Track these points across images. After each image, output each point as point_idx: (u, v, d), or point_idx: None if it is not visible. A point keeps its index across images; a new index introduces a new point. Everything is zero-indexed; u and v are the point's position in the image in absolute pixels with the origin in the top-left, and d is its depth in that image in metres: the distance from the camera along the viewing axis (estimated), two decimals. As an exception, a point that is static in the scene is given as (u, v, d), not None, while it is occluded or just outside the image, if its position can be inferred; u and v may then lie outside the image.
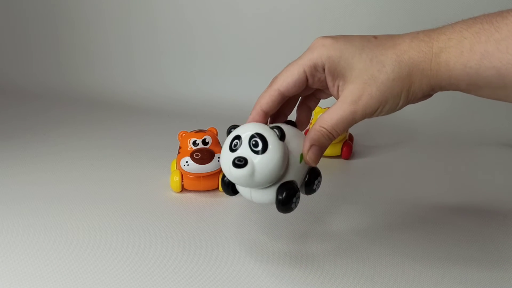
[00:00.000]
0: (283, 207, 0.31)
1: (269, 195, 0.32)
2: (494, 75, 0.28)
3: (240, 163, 0.30)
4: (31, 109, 0.82)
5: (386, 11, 0.75)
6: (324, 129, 0.32)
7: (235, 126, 0.33)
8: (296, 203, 0.32)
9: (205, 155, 0.45)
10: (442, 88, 0.31)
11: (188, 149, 0.47)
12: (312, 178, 0.33)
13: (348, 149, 0.59)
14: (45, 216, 0.43)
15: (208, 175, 0.47)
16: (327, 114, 0.32)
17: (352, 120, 0.31)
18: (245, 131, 0.31)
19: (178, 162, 0.47)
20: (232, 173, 0.30)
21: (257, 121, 0.33)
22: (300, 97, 0.37)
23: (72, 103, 0.86)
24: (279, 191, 0.31)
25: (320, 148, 0.32)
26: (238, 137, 0.31)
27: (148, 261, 0.36)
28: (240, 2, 0.83)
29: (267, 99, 0.34)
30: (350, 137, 0.63)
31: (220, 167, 0.46)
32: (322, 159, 0.61)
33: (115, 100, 0.87)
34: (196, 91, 0.87)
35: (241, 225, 0.42)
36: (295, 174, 0.32)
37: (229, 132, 0.33)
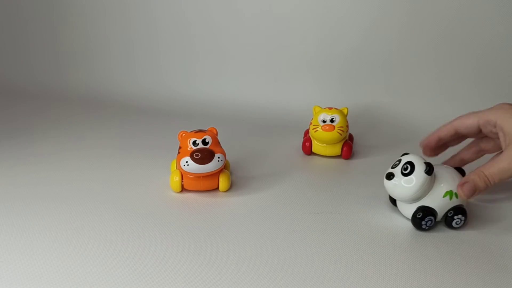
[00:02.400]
0: (414, 222, 0.41)
1: (409, 210, 0.42)
2: None
3: (389, 176, 0.41)
4: (31, 109, 0.82)
5: (386, 11, 0.75)
6: (483, 174, 0.39)
7: (406, 153, 0.43)
8: (428, 225, 0.41)
9: (205, 155, 0.45)
10: None
11: (188, 149, 0.47)
12: (454, 215, 0.41)
13: (348, 149, 0.59)
14: (45, 216, 0.43)
15: (208, 175, 0.47)
16: (490, 163, 0.40)
17: (508, 171, 0.38)
18: (406, 159, 0.42)
19: (178, 162, 0.47)
20: (384, 182, 0.42)
21: (432, 143, 0.47)
22: (473, 139, 0.48)
23: (72, 103, 0.86)
24: (416, 210, 0.41)
25: (473, 187, 0.39)
26: (399, 161, 0.42)
27: (148, 261, 0.36)
28: (240, 2, 0.83)
29: (444, 130, 0.46)
30: (350, 137, 0.63)
31: (220, 167, 0.47)
32: (322, 159, 0.61)
33: (115, 100, 0.87)
34: (196, 91, 0.87)
35: (241, 225, 0.42)
36: (436, 204, 0.41)
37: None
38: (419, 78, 0.75)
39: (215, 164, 0.46)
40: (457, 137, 0.46)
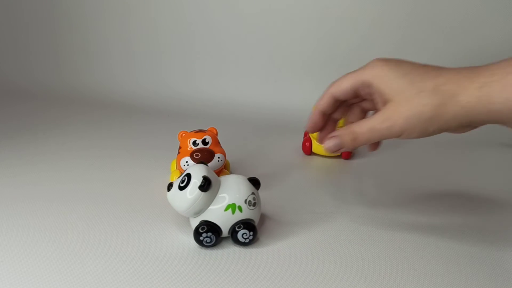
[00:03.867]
0: (194, 237, 0.38)
1: (194, 223, 0.38)
2: None
3: (168, 187, 0.38)
4: (30, 109, 0.82)
5: (386, 11, 0.75)
6: (352, 130, 0.35)
7: (202, 162, 0.41)
8: (207, 241, 0.37)
9: (205, 155, 0.45)
10: (484, 122, 0.32)
11: (188, 149, 0.47)
12: (240, 229, 0.37)
13: None
14: (45, 216, 0.43)
15: (208, 175, 0.47)
16: (362, 121, 0.35)
17: (376, 131, 0.34)
18: (188, 170, 0.38)
19: (178, 162, 0.47)
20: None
21: (316, 120, 0.40)
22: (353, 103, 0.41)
23: (72, 103, 0.86)
24: (198, 224, 0.37)
25: (340, 141, 0.36)
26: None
27: (148, 261, 0.36)
28: (240, 2, 0.83)
29: (323, 101, 0.39)
30: None
31: (220, 167, 0.47)
32: (322, 159, 0.61)
33: (115, 100, 0.87)
34: (196, 91, 0.87)
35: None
36: (219, 219, 0.37)
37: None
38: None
39: (215, 164, 0.46)
40: (340, 105, 0.41)
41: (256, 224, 0.39)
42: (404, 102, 0.33)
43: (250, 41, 0.85)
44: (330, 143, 0.36)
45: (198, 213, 0.37)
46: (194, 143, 0.47)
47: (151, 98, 0.87)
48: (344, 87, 0.37)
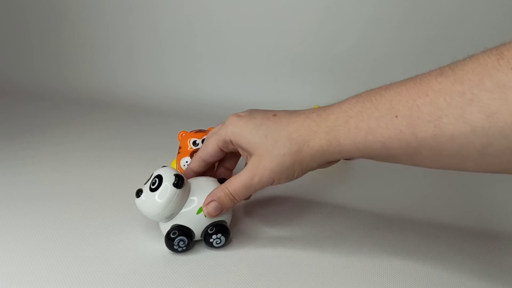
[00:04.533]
0: (166, 243, 0.36)
1: (165, 229, 0.37)
2: (380, 148, 0.31)
3: (138, 193, 0.37)
4: (31, 109, 0.82)
5: (386, 11, 0.75)
6: (227, 190, 0.37)
7: (164, 166, 0.38)
8: (180, 245, 0.36)
9: (205, 155, 0.45)
10: (340, 158, 0.35)
11: (188, 149, 0.47)
12: (212, 233, 0.37)
13: None
14: (45, 216, 0.43)
15: (208, 175, 0.47)
16: (233, 178, 0.37)
17: (250, 187, 0.36)
18: (157, 172, 0.37)
19: (178, 162, 0.47)
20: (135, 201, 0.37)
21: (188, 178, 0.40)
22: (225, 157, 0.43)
23: (72, 103, 0.86)
24: (170, 229, 0.36)
25: (220, 204, 0.37)
26: (152, 175, 0.37)
27: (148, 261, 0.36)
28: (241, 2, 0.83)
29: (195, 164, 0.41)
30: None
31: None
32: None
33: (115, 100, 0.87)
34: (196, 91, 0.87)
35: (240, 226, 0.42)
36: (191, 222, 0.36)
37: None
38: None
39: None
40: (213, 164, 0.43)
41: (228, 225, 0.38)
42: (265, 154, 0.35)
43: (250, 41, 0.85)
44: (210, 207, 0.36)
45: (170, 216, 0.36)
46: (194, 143, 0.47)
47: (151, 98, 0.87)
48: (210, 150, 0.40)
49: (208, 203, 0.36)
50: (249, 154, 0.37)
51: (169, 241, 0.36)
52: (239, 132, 0.37)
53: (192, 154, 0.46)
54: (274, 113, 0.38)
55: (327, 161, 0.35)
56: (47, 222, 0.42)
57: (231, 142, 0.38)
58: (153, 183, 0.36)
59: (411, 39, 0.75)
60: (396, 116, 0.30)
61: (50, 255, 0.36)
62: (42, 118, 0.76)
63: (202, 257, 0.37)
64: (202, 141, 0.47)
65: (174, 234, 0.36)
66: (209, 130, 0.49)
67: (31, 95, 0.91)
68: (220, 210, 0.37)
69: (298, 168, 0.36)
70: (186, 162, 0.45)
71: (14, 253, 0.37)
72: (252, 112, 0.39)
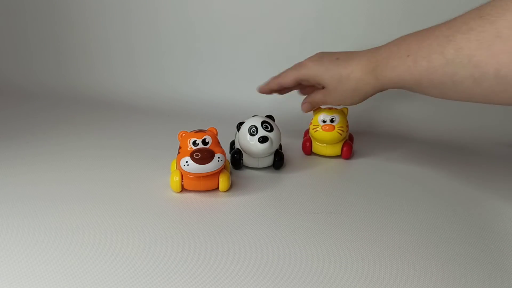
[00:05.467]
0: (279, 163, 0.55)
1: (270, 159, 0.54)
2: (403, 80, 0.45)
3: (265, 139, 0.50)
4: (31, 109, 0.82)
5: (386, 11, 0.75)
6: (311, 101, 0.57)
7: (242, 122, 0.54)
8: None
9: (205, 155, 0.45)
10: (393, 86, 0.47)
11: (188, 149, 0.47)
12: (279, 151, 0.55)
13: (348, 149, 0.59)
14: (45, 216, 0.43)
15: (208, 175, 0.47)
16: (315, 94, 0.56)
17: (324, 102, 0.56)
18: (255, 122, 0.52)
19: (178, 162, 0.47)
20: (259, 147, 0.51)
21: (264, 92, 0.61)
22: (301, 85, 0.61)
23: (72, 103, 0.86)
24: (276, 155, 0.54)
25: (311, 105, 0.58)
26: (252, 126, 0.52)
27: (148, 261, 0.36)
28: (240, 2, 0.83)
29: (273, 85, 0.59)
30: (350, 137, 0.63)
31: (220, 167, 0.47)
32: (321, 158, 0.61)
33: (115, 100, 0.87)
34: (196, 91, 0.87)
35: (241, 225, 0.42)
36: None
37: (238, 127, 0.54)
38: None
39: (215, 164, 0.46)
40: (284, 88, 0.60)
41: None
42: (332, 90, 0.53)
43: (250, 41, 0.85)
44: (306, 107, 0.58)
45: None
46: (194, 143, 0.47)
47: (151, 98, 0.87)
48: (289, 80, 0.57)
49: (304, 103, 0.58)
50: (324, 86, 0.54)
51: (281, 160, 0.55)
52: (313, 74, 0.54)
53: (192, 154, 0.45)
54: (337, 57, 0.52)
55: (381, 86, 0.48)
56: (47, 222, 0.42)
57: (308, 79, 0.55)
58: (267, 127, 0.52)
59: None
60: (408, 56, 0.43)
61: (50, 255, 0.36)
62: (42, 118, 0.76)
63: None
64: (202, 141, 0.47)
65: (281, 157, 0.55)
66: (209, 130, 0.49)
67: (31, 95, 0.91)
68: (312, 106, 0.58)
69: (357, 94, 0.51)
70: (186, 162, 0.45)
71: (13, 253, 0.37)
72: (321, 57, 0.54)
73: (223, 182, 0.48)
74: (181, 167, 0.46)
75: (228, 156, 0.55)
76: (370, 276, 0.35)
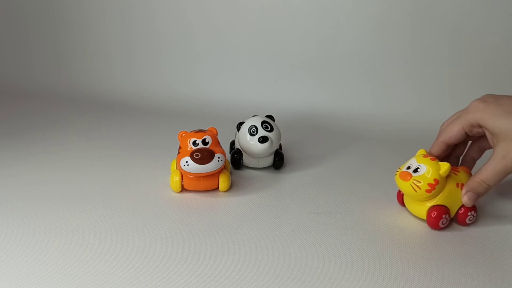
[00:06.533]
0: (279, 163, 0.54)
1: (270, 159, 0.54)
2: None
3: (265, 139, 0.50)
4: (31, 109, 0.82)
5: (387, 11, 0.75)
6: (481, 181, 0.40)
7: (242, 122, 0.53)
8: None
9: (205, 155, 0.45)
10: None
11: (188, 149, 0.47)
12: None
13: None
14: (45, 216, 0.43)
15: (208, 175, 0.47)
16: (484, 168, 0.40)
17: (504, 173, 0.39)
18: (255, 122, 0.52)
19: (178, 162, 0.47)
20: (259, 147, 0.50)
21: (439, 150, 0.45)
22: (470, 142, 0.47)
23: (72, 103, 0.86)
24: (276, 155, 0.54)
25: (475, 194, 0.41)
26: (252, 126, 0.51)
27: (148, 261, 0.36)
28: (240, 2, 0.83)
29: (436, 148, 0.45)
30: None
31: (220, 167, 0.47)
32: (321, 158, 0.61)
33: (115, 100, 0.87)
34: (196, 91, 0.87)
35: (241, 225, 0.42)
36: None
37: (238, 127, 0.53)
38: (418, 78, 0.75)
39: (215, 164, 0.46)
40: (452, 147, 0.46)
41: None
42: None
43: (250, 41, 0.85)
44: (467, 199, 0.41)
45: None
46: (194, 143, 0.47)
47: (151, 98, 0.87)
48: (455, 132, 0.43)
49: (465, 194, 0.41)
50: (498, 139, 0.39)
51: (281, 160, 0.54)
52: (488, 117, 0.40)
53: (192, 154, 0.45)
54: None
55: None
56: (47, 222, 0.42)
57: (479, 125, 0.41)
58: (267, 127, 0.51)
59: (412, 39, 0.74)
60: None
61: (50, 255, 0.36)
62: (42, 118, 0.76)
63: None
64: (202, 141, 0.47)
65: (281, 157, 0.54)
66: (209, 130, 0.49)
67: (31, 95, 0.91)
68: (476, 198, 0.41)
69: None
70: (186, 162, 0.45)
71: (13, 253, 0.37)
72: (498, 99, 0.41)
73: (223, 182, 0.48)
74: (181, 167, 0.46)
75: (228, 156, 0.55)
76: (370, 276, 0.35)
